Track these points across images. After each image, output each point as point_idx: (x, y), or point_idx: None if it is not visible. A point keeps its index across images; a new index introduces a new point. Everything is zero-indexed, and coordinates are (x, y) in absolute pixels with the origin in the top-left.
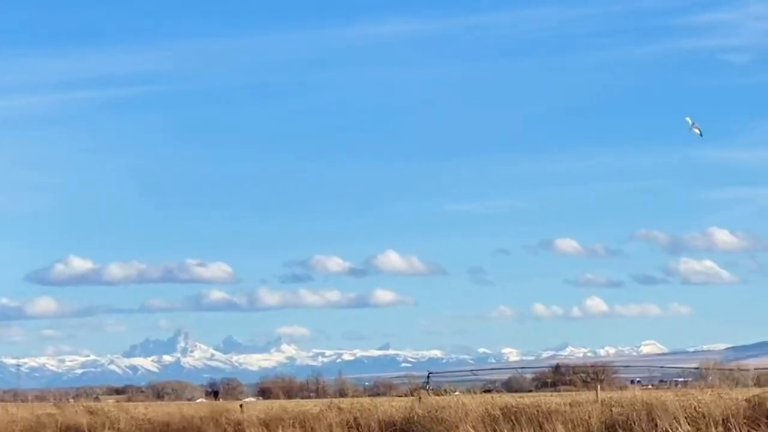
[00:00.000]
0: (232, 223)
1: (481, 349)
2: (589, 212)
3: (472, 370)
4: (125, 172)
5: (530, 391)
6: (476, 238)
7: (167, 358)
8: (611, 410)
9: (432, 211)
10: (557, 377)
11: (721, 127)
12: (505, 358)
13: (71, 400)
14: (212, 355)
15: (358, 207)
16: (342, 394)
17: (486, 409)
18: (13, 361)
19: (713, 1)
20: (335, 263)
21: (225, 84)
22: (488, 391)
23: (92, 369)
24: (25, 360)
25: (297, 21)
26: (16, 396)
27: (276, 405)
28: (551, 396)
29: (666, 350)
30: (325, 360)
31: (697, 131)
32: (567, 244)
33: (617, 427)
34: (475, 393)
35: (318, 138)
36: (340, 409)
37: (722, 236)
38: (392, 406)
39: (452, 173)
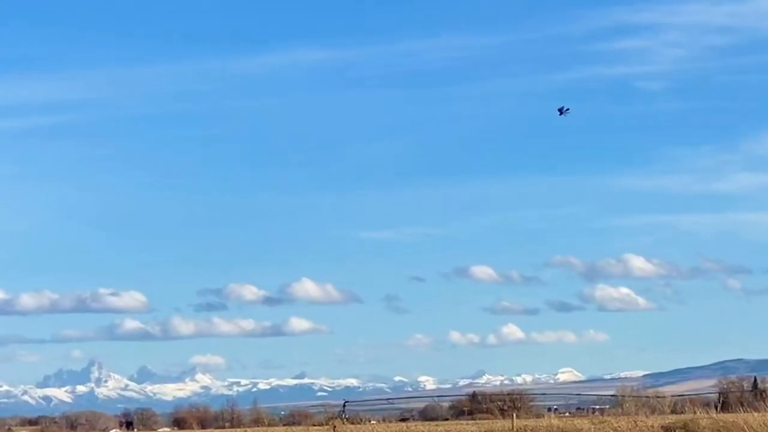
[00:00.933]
0: (145, 251)
1: (398, 378)
2: (505, 239)
3: (388, 399)
4: (36, 201)
5: (447, 419)
6: (391, 265)
7: (81, 389)
8: None
9: (346, 239)
10: (474, 405)
11: (637, 155)
12: (422, 386)
13: None
14: (126, 385)
15: (273, 235)
16: (257, 423)
17: None
18: None
19: (627, 28)
20: (250, 292)
21: (137, 112)
22: (405, 419)
23: (5, 400)
24: None
25: (208, 50)
26: None
27: None
28: (467, 425)
29: (583, 377)
30: (241, 389)
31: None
32: (482, 272)
33: None
34: (391, 422)
35: (232, 167)
36: None
37: (638, 263)
38: None
39: (366, 201)
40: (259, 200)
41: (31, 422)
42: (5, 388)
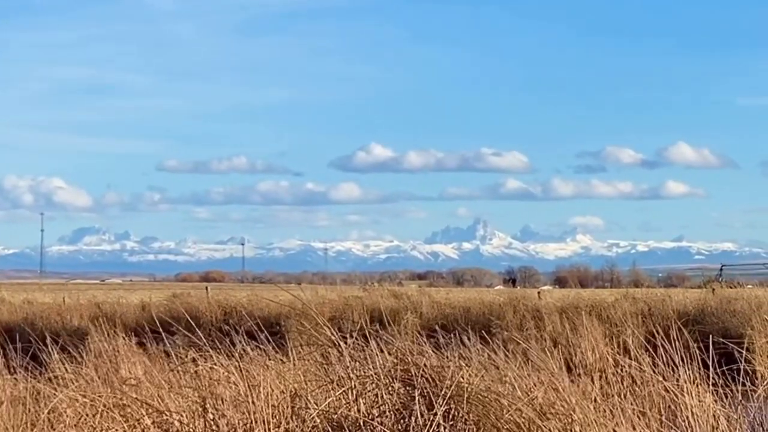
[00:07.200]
0: (526, 113)
1: None
2: None
3: (765, 264)
4: (427, 63)
5: None
6: None
7: (467, 246)
8: None
9: (723, 104)
10: None
11: None
12: None
13: (376, 284)
14: (510, 243)
15: (650, 99)
16: (636, 284)
17: None
18: (321, 245)
19: None
20: (627, 155)
21: None
22: None
23: (395, 254)
24: (332, 244)
25: None
26: (325, 279)
27: (572, 293)
28: None
29: None
30: (620, 250)
31: None
32: None
33: None
34: None
35: (619, 27)
36: (634, 299)
37: None
38: (686, 297)
39: (745, 66)
40: (638, 63)
41: (420, 276)
42: (395, 243)
